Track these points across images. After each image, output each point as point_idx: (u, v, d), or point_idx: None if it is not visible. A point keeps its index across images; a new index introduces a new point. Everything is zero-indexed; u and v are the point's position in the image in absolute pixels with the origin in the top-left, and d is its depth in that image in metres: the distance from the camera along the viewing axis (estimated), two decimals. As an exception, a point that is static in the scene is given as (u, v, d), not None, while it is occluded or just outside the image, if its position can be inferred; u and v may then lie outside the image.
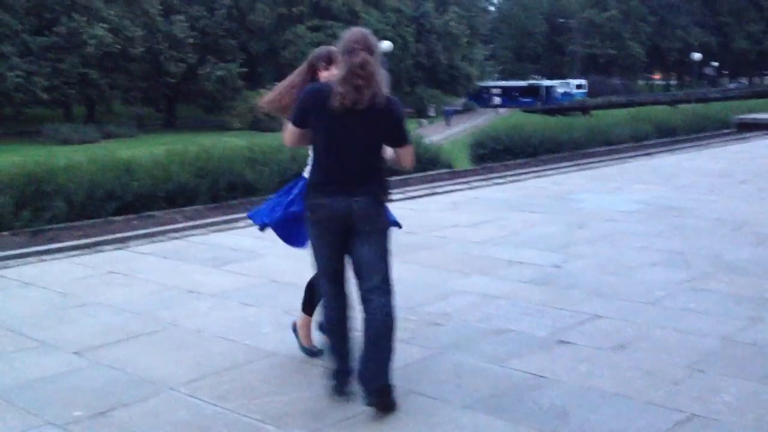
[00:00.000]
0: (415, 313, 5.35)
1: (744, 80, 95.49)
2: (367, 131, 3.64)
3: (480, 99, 74.52)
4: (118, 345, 4.79)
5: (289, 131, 3.80)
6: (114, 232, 8.53)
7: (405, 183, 12.87)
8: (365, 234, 3.71)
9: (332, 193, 3.67)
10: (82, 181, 9.71)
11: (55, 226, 8.91)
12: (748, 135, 20.97)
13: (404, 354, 4.53)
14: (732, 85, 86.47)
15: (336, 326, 3.88)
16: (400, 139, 3.76)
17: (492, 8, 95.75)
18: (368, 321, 3.76)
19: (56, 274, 6.65)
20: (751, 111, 25.87)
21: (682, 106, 31.06)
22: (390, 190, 3.85)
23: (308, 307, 4.48)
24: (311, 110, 3.66)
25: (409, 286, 5.98)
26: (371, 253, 3.73)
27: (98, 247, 7.76)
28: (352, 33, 3.67)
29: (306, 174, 4.11)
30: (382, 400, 3.70)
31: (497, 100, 74.64)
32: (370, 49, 3.60)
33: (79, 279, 6.47)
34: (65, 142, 41.17)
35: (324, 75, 4.15)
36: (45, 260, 7.28)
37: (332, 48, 4.07)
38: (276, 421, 3.69)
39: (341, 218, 3.68)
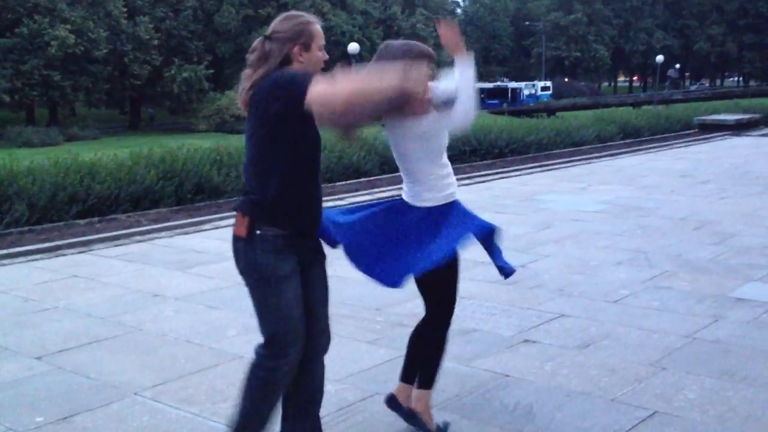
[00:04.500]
0: (382, 314, 5.35)
1: (705, 82, 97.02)
2: (250, 125, 2.92)
3: (447, 101, 74.70)
4: (81, 350, 4.73)
5: None
6: (77, 236, 8.41)
7: (372, 184, 12.87)
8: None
9: None
10: (44, 184, 9.55)
11: (16, 230, 8.75)
12: (709, 136, 21.30)
13: (371, 355, 4.53)
14: (694, 87, 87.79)
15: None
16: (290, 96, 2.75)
17: (459, 11, 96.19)
18: None
19: (17, 279, 6.54)
20: (712, 112, 26.25)
21: (645, 108, 31.44)
22: (269, 219, 2.90)
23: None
24: None
25: (376, 287, 5.95)
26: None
27: (61, 251, 7.65)
28: None
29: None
30: None
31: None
32: (271, 32, 2.97)
33: (41, 283, 6.37)
34: (27, 144, 40.51)
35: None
36: (5, 265, 7.15)
37: None
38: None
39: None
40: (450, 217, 3.30)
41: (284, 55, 2.90)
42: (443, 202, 3.32)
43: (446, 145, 3.34)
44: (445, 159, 3.34)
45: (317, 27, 3.01)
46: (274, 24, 3.00)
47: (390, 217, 3.36)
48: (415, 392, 3.50)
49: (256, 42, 2.98)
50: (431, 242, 3.23)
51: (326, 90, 2.64)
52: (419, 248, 3.22)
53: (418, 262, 3.19)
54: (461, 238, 3.26)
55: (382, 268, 3.27)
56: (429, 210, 3.30)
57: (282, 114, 2.79)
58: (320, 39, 3.01)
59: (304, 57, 2.94)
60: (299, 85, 2.70)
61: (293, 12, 3.09)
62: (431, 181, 3.29)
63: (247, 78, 2.93)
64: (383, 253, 3.28)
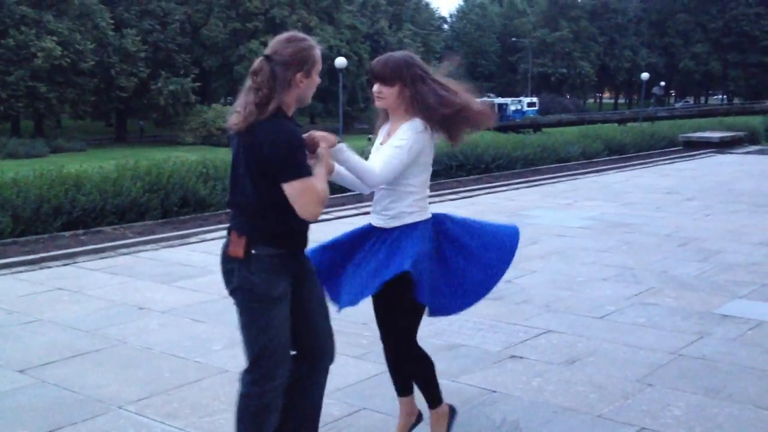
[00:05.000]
0: (369, 329, 5.33)
1: (690, 100, 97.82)
2: (244, 157, 2.91)
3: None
4: (65, 363, 4.69)
5: None
6: (61, 248, 8.34)
7: (358, 198, 12.87)
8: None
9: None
10: (29, 195, 9.49)
11: None
12: (694, 153, 21.47)
13: (358, 370, 4.52)
14: (678, 105, 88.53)
15: None
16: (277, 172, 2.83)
17: (446, 26, 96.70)
18: None
19: (1, 291, 6.48)
20: (696, 130, 26.47)
21: (630, 125, 31.66)
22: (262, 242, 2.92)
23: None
24: None
25: (364, 302, 5.95)
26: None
27: (45, 263, 7.59)
28: None
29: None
30: None
31: None
32: (272, 53, 2.91)
33: (25, 296, 6.32)
34: (12, 156, 40.27)
35: None
36: (-11, 276, 7.08)
37: None
38: (227, 439, 3.64)
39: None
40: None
41: (287, 80, 2.87)
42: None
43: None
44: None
45: (319, 52, 2.99)
46: (276, 44, 2.92)
47: (358, 241, 3.44)
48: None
49: (259, 63, 2.90)
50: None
51: (302, 194, 2.82)
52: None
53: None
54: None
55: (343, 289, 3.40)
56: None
57: (273, 168, 2.83)
58: (320, 64, 3.00)
59: (305, 83, 2.94)
60: (284, 170, 2.81)
61: (296, 34, 3.00)
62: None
63: (252, 101, 2.86)
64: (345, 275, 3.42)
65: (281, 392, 3.01)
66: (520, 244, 3.49)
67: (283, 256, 2.94)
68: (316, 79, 2.99)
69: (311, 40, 2.99)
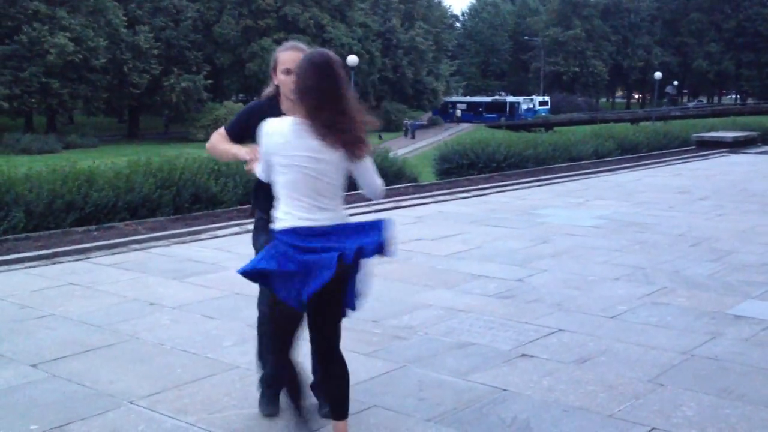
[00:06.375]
0: (379, 326, 5.34)
1: (703, 99, 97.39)
2: None
3: (445, 114, 75.00)
4: (77, 358, 4.71)
5: None
6: (74, 243, 8.38)
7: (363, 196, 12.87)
8: None
9: None
10: (42, 191, 9.53)
11: (12, 236, 8.73)
12: (707, 153, 21.36)
13: (368, 367, 4.52)
14: (692, 104, 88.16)
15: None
16: None
17: (458, 24, 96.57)
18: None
19: (14, 286, 6.51)
20: (710, 129, 26.35)
21: (643, 124, 31.53)
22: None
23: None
24: None
25: (374, 299, 5.96)
26: None
27: (57, 259, 7.63)
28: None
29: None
30: None
31: (458, 113, 75.20)
32: None
33: (38, 290, 6.35)
34: (25, 151, 40.59)
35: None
36: (2, 271, 7.12)
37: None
38: (237, 435, 3.65)
39: None
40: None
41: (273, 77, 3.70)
42: None
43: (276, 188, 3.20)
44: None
45: (282, 54, 3.61)
46: None
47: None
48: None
49: None
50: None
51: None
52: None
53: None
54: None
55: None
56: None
57: None
58: (282, 64, 3.57)
59: (277, 81, 3.65)
60: None
61: (285, 42, 3.77)
62: None
63: None
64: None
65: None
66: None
67: (263, 219, 3.68)
68: (281, 78, 3.58)
69: (284, 45, 3.68)
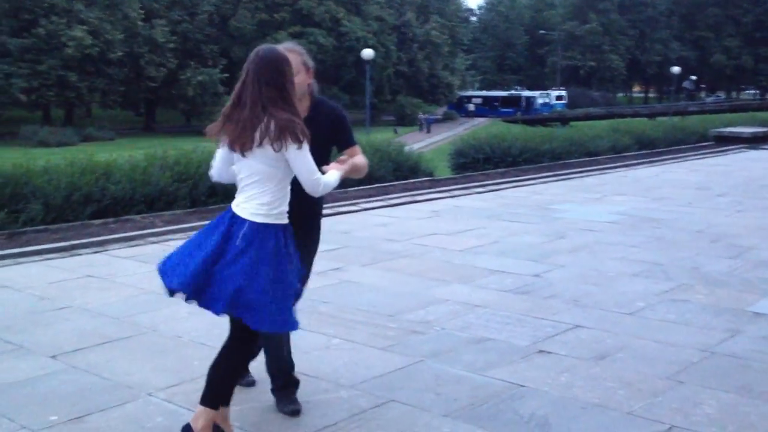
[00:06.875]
0: (396, 321, 5.33)
1: (721, 94, 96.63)
2: None
3: (460, 108, 74.84)
4: (95, 349, 4.73)
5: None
6: (92, 236, 8.43)
7: (385, 190, 12.87)
8: None
9: None
10: (60, 184, 9.59)
11: (31, 228, 8.79)
12: (725, 148, 21.20)
13: (384, 362, 4.51)
14: (710, 99, 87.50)
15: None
16: None
17: (474, 18, 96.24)
18: None
19: (33, 278, 6.56)
20: (728, 125, 26.14)
21: (660, 119, 31.34)
22: None
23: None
24: None
25: (390, 294, 5.97)
26: None
27: (75, 251, 7.67)
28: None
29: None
30: None
31: (471, 107, 75.00)
32: None
33: (56, 282, 6.39)
34: (43, 144, 40.81)
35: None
36: (21, 263, 7.17)
37: None
38: (254, 428, 3.65)
39: None
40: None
41: None
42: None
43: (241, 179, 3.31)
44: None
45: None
46: None
47: None
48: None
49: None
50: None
51: None
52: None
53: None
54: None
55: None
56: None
57: None
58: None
59: None
60: None
61: None
62: None
63: None
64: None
65: None
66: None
67: None
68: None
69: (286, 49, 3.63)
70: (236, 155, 3.25)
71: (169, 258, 3.36)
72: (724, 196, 11.70)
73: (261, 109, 3.16)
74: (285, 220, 3.30)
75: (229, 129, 3.22)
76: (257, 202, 3.23)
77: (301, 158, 3.19)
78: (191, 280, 3.20)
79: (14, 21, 47.25)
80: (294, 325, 3.29)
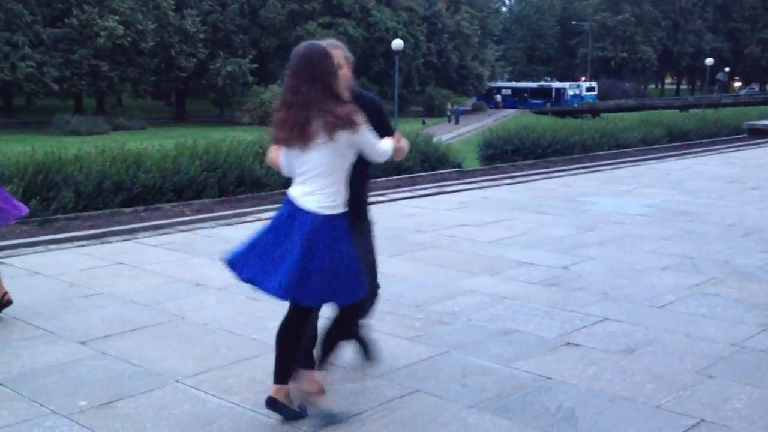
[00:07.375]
0: (423, 311, 5.32)
1: (755, 86, 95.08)
2: None
3: (490, 99, 74.47)
4: (125, 336, 4.78)
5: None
6: (122, 224, 8.52)
7: (413, 181, 12.85)
8: None
9: None
10: (91, 172, 9.71)
11: (62, 216, 8.90)
12: (759, 141, 20.88)
13: (411, 352, 4.51)
14: (743, 91, 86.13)
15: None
16: None
17: (504, 9, 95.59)
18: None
19: (64, 264, 6.64)
20: (762, 117, 25.75)
21: (693, 111, 30.96)
22: None
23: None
24: None
25: (417, 285, 5.96)
26: None
27: (106, 238, 7.76)
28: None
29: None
30: None
31: (498, 98, 74.57)
32: None
33: (87, 269, 6.46)
34: (75, 133, 41.33)
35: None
36: (52, 250, 7.27)
37: None
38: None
39: None
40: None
41: None
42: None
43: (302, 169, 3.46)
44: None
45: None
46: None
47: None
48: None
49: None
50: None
51: None
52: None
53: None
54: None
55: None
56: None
57: None
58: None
59: None
60: None
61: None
62: None
63: None
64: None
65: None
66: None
67: None
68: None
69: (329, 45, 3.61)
70: (295, 152, 3.40)
71: (240, 253, 3.76)
72: (758, 190, 11.52)
73: (311, 106, 3.28)
74: (346, 209, 3.47)
75: (285, 131, 3.37)
76: (322, 194, 3.37)
77: (361, 139, 3.39)
78: (288, 282, 3.33)
79: (48, 11, 47.81)
80: (363, 290, 3.49)
